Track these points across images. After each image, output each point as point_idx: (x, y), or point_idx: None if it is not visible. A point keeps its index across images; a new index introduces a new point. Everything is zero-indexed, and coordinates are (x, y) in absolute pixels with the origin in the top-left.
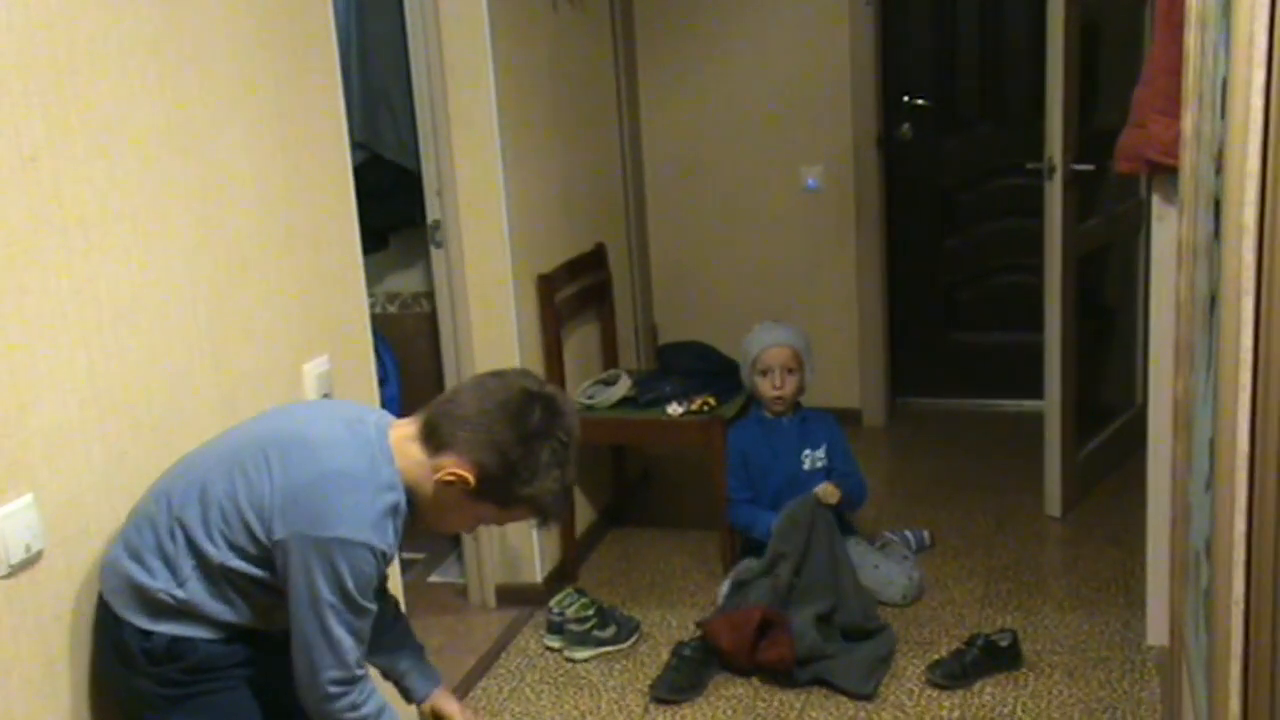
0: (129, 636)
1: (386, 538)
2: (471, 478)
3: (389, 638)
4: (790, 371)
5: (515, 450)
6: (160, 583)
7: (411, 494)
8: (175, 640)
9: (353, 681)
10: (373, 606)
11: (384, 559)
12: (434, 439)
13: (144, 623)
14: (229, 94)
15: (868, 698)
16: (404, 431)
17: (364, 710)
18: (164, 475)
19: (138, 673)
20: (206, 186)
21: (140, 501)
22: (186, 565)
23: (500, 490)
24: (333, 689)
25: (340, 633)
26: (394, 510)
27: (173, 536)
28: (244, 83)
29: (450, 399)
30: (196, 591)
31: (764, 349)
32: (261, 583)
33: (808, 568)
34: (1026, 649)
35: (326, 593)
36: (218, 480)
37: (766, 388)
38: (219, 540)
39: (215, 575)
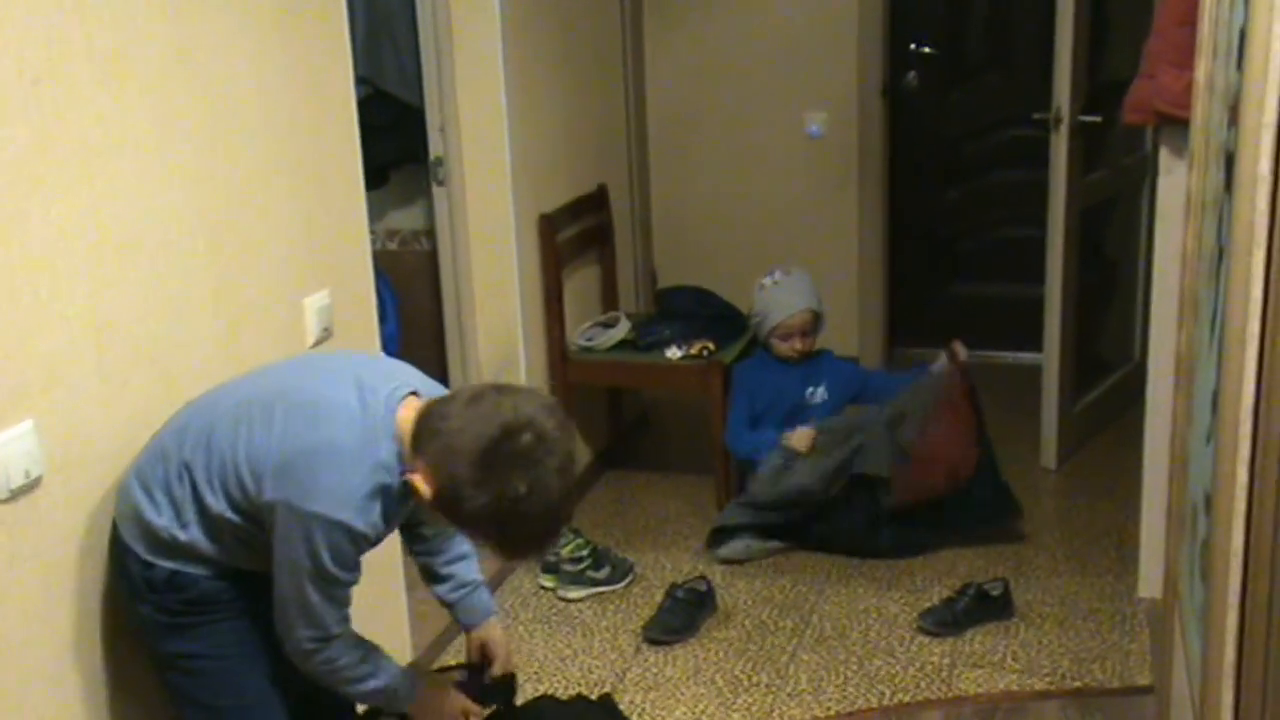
0: (132, 564)
1: (369, 518)
2: (428, 494)
3: (442, 561)
4: (807, 333)
5: (467, 489)
6: (164, 521)
7: None
8: (175, 573)
9: (328, 640)
10: (351, 578)
11: (364, 539)
12: (415, 439)
13: (146, 554)
14: (234, 24)
15: None
16: (412, 413)
17: (339, 663)
18: (187, 407)
19: (140, 599)
20: (211, 116)
21: (161, 431)
22: (190, 510)
23: (451, 516)
24: (308, 645)
25: (315, 599)
26: (383, 491)
27: (180, 480)
28: (249, 12)
29: (447, 402)
30: (197, 536)
31: (787, 317)
32: (252, 534)
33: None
34: (1018, 598)
35: (304, 561)
36: (224, 428)
37: (785, 350)
38: (218, 489)
39: (214, 522)
